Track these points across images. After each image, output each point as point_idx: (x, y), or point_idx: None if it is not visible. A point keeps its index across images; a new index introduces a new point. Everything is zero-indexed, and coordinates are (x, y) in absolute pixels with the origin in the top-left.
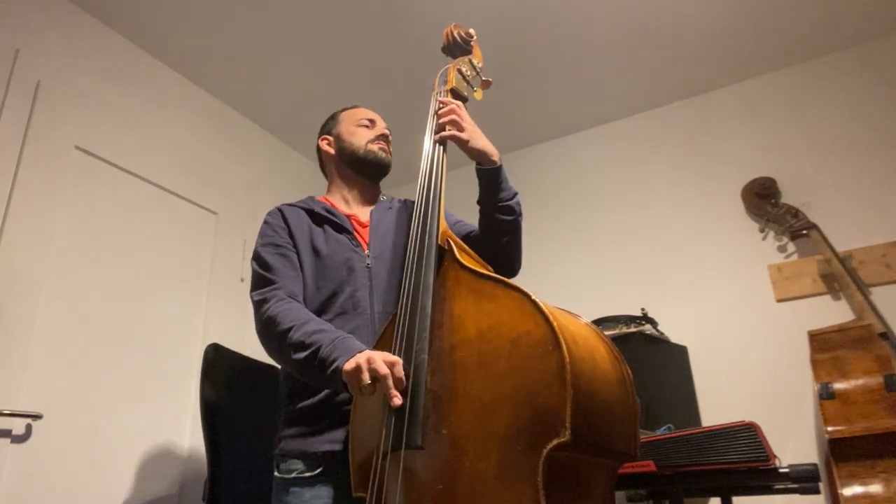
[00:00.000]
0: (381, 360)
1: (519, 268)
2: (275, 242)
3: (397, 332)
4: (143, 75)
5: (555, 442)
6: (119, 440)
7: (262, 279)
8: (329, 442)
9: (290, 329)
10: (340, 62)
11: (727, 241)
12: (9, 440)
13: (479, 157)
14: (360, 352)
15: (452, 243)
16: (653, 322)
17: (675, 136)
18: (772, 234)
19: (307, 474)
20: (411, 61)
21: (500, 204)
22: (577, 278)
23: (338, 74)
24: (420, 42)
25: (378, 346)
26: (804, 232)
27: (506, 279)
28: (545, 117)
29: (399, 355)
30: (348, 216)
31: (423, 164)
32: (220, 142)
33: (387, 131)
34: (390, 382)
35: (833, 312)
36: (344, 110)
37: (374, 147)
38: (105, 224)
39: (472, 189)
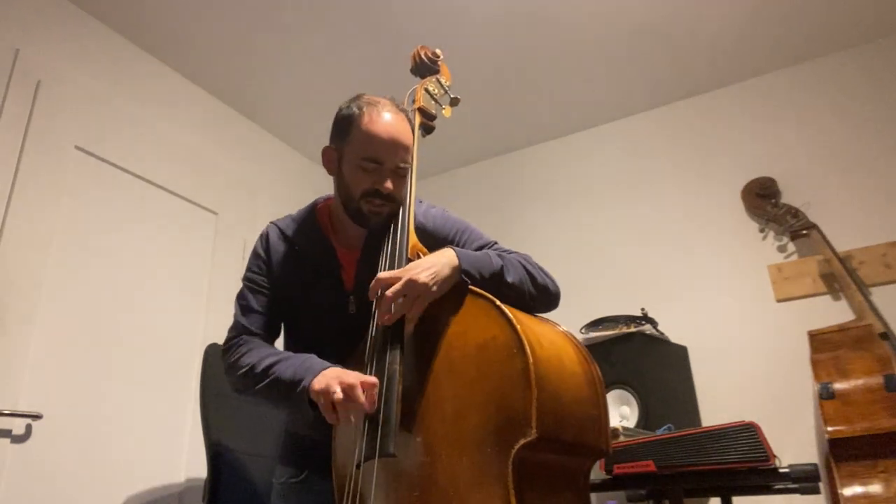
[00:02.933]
0: (353, 375)
1: (555, 301)
2: (254, 281)
3: (370, 343)
4: (143, 75)
5: (522, 441)
6: (119, 440)
7: (233, 325)
8: (313, 456)
9: (250, 367)
10: (340, 62)
11: (727, 241)
12: (9, 440)
13: (454, 279)
14: (324, 369)
15: (421, 256)
16: (653, 322)
17: (675, 136)
18: (772, 234)
19: (293, 480)
20: (408, 59)
21: (500, 288)
22: (577, 278)
23: (338, 74)
24: (420, 42)
25: (350, 358)
26: (804, 232)
27: (472, 287)
28: (545, 117)
29: (371, 367)
30: (336, 249)
31: None
32: (220, 142)
33: (390, 185)
34: (358, 392)
35: (833, 312)
36: (360, 122)
37: (364, 207)
38: (105, 224)
39: (464, 191)
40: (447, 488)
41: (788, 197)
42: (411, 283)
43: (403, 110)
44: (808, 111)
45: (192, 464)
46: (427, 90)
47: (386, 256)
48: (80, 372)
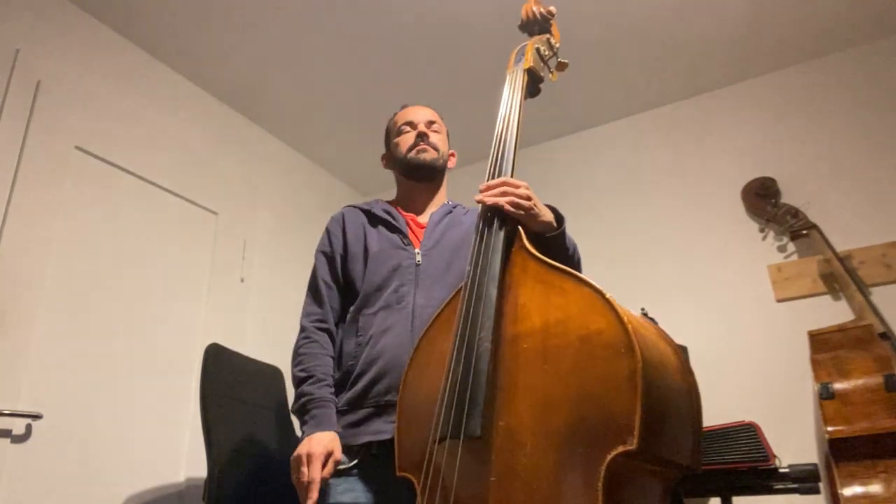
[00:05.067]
0: (317, 461)
1: None
2: (326, 253)
3: (460, 317)
4: (143, 75)
5: (620, 449)
6: (119, 440)
7: (308, 300)
8: (368, 434)
9: (300, 379)
10: (341, 62)
11: (727, 241)
12: (9, 440)
13: (542, 228)
14: (312, 435)
15: (522, 230)
16: (653, 322)
17: (675, 137)
18: (772, 234)
19: (341, 467)
20: (411, 61)
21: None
22: None
23: (338, 75)
24: (420, 42)
25: (432, 328)
26: (804, 232)
27: (576, 273)
28: (545, 117)
29: (461, 342)
30: (406, 217)
31: (493, 147)
32: (220, 142)
33: (424, 129)
34: (304, 470)
35: (833, 312)
36: (391, 119)
37: (413, 153)
38: (105, 224)
39: (464, 191)
40: (529, 480)
41: (788, 197)
42: (521, 187)
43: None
44: (808, 111)
45: (192, 464)
46: (538, 50)
47: (481, 226)
48: (80, 372)
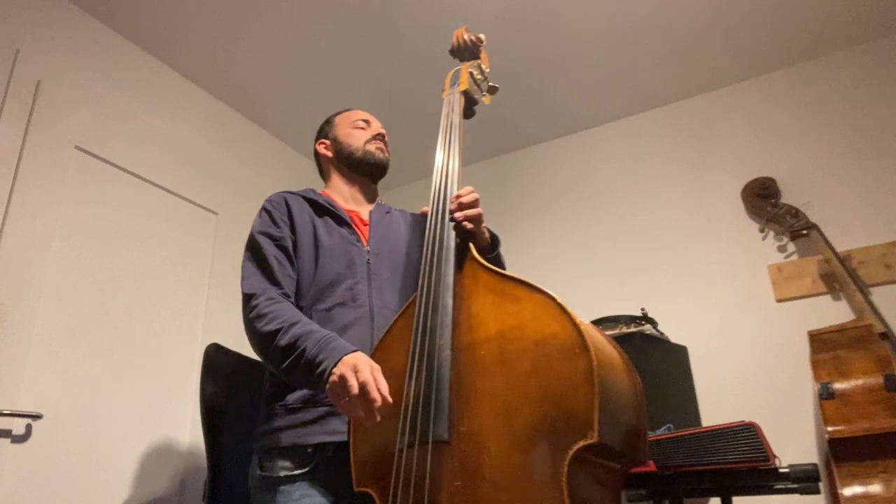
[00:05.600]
0: (368, 368)
1: None
2: (272, 234)
3: (417, 327)
4: (143, 75)
5: (582, 443)
6: (119, 440)
7: (254, 273)
8: (324, 433)
9: (278, 330)
10: (340, 62)
11: (727, 241)
12: (9, 440)
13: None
14: (346, 353)
15: (471, 242)
16: (653, 322)
17: (675, 136)
18: (772, 234)
19: (297, 472)
20: (411, 62)
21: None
22: (577, 278)
23: (338, 75)
24: (419, 43)
25: (386, 340)
26: (804, 232)
27: (528, 281)
28: (545, 117)
29: (420, 351)
30: (348, 212)
31: (437, 165)
32: (220, 142)
33: (383, 131)
34: (372, 388)
35: (833, 312)
36: (338, 114)
37: (372, 147)
38: (105, 224)
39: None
40: (495, 481)
41: (788, 197)
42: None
43: None
44: (808, 111)
45: (192, 464)
46: (471, 74)
47: (433, 240)
48: (80, 372)
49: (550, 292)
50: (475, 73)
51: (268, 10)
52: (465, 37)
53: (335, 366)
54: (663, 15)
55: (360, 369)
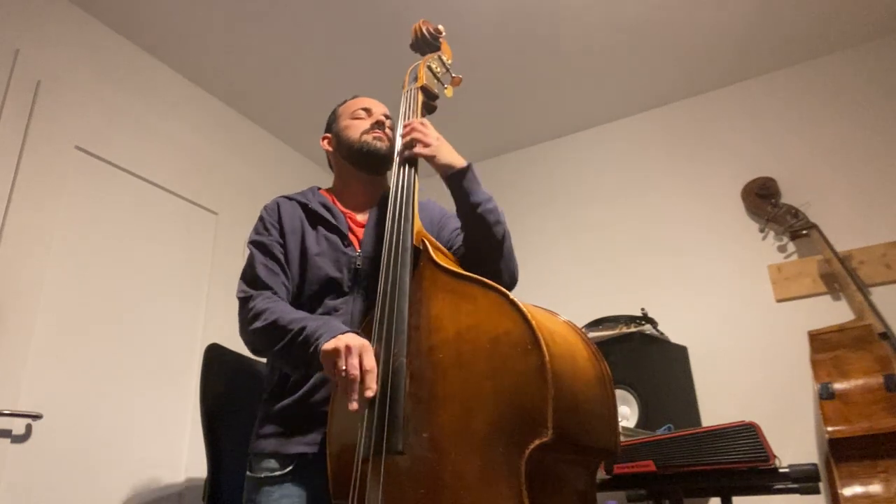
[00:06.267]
0: (358, 350)
1: (515, 281)
2: (265, 243)
3: (375, 334)
4: (143, 75)
5: (537, 442)
6: (119, 440)
7: (247, 281)
8: (303, 444)
9: (276, 319)
10: (341, 62)
11: (727, 241)
12: (9, 440)
13: (446, 170)
14: (342, 333)
15: (427, 243)
16: (653, 322)
17: (675, 137)
18: (772, 234)
19: (277, 473)
20: (411, 62)
21: (476, 211)
22: (577, 278)
23: (338, 75)
24: None
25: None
26: (804, 232)
27: (483, 279)
28: (545, 117)
29: (377, 359)
30: (345, 214)
31: (394, 168)
32: (220, 142)
33: (383, 118)
34: (367, 377)
35: (833, 312)
36: (342, 104)
37: (368, 137)
38: (105, 224)
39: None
40: (456, 487)
41: (788, 197)
42: (425, 131)
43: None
44: (808, 111)
45: (192, 464)
46: (430, 67)
47: (390, 245)
48: (80, 372)
49: (502, 289)
50: (434, 65)
51: (268, 10)
52: (424, 29)
53: (331, 339)
54: (663, 15)
55: (352, 347)
